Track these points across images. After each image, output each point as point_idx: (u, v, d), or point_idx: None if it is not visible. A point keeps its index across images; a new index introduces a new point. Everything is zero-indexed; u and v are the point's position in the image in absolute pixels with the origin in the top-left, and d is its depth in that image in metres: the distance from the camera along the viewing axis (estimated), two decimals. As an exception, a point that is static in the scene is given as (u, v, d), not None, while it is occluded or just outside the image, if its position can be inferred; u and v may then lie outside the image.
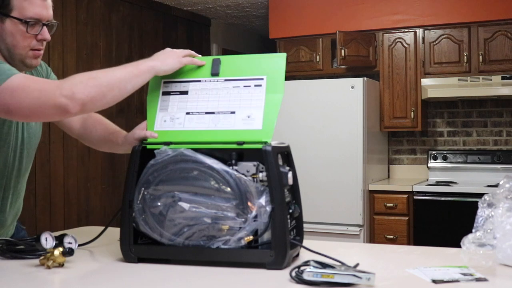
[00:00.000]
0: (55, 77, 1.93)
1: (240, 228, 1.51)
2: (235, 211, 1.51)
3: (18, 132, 1.77)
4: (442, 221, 4.31)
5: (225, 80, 1.66)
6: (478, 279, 1.37)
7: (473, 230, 1.54)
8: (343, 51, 4.69)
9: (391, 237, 4.48)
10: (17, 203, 1.86)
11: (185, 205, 1.54)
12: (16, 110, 1.49)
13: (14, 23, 1.63)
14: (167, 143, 1.62)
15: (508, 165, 4.63)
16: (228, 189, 1.51)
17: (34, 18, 1.64)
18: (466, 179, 4.75)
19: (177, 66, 1.64)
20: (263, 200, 1.50)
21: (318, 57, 5.08)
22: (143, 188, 1.57)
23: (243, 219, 1.50)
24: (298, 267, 1.38)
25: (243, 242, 1.52)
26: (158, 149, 1.58)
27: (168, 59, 1.63)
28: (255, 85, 1.63)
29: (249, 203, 1.50)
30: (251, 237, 1.52)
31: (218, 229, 1.53)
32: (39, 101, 1.47)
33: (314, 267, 1.35)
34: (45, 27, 1.68)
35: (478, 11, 4.54)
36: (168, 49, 1.67)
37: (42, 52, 1.72)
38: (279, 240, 1.49)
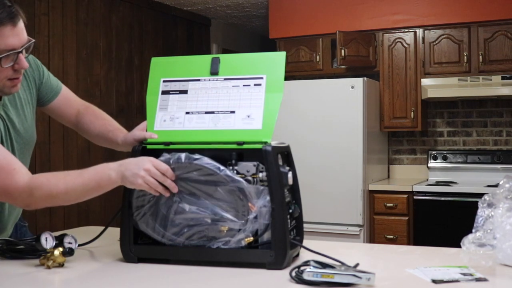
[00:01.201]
0: (47, 73, 1.87)
1: (239, 230, 1.51)
2: (235, 212, 1.51)
3: (8, 141, 1.72)
4: (442, 221, 4.31)
5: (225, 79, 1.66)
6: (478, 279, 1.37)
7: (473, 230, 1.54)
8: (343, 51, 4.69)
9: (391, 237, 4.48)
10: (16, 208, 1.84)
11: (186, 206, 1.54)
12: None
13: None
14: (167, 143, 1.62)
15: (508, 165, 4.63)
16: (228, 190, 1.51)
17: (7, 50, 1.51)
18: (466, 179, 4.75)
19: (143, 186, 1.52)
20: (262, 201, 1.50)
21: (318, 57, 5.08)
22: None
23: (243, 221, 1.50)
24: (298, 267, 1.38)
25: (243, 243, 1.52)
26: (161, 155, 1.56)
27: (135, 176, 1.49)
28: (255, 84, 1.62)
29: (249, 204, 1.50)
30: (251, 238, 1.52)
31: (218, 230, 1.53)
32: (1, 197, 1.55)
33: (314, 267, 1.35)
34: (20, 55, 1.55)
35: (478, 11, 4.54)
36: (137, 166, 1.51)
37: (20, 78, 1.62)
38: (279, 240, 1.49)
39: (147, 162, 1.49)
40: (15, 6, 1.54)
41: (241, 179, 1.50)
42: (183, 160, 1.52)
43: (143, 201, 1.58)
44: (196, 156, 1.53)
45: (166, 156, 1.55)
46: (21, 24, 1.55)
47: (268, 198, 1.50)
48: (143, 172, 1.47)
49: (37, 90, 1.84)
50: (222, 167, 1.51)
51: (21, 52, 1.56)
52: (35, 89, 1.83)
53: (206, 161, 1.52)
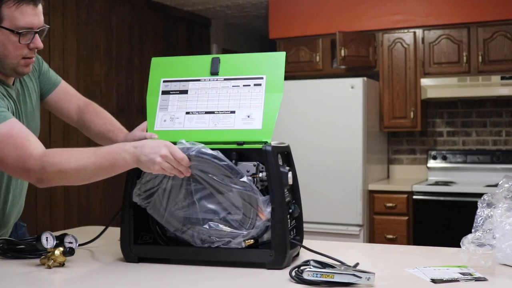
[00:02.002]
0: (47, 66, 1.91)
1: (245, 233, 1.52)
2: (243, 217, 1.52)
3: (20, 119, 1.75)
4: (441, 221, 4.31)
5: (225, 79, 1.66)
6: (477, 279, 1.37)
7: (473, 230, 1.54)
8: (343, 51, 4.70)
9: (391, 237, 4.48)
10: (18, 203, 1.85)
11: (196, 198, 1.54)
12: None
13: (5, 34, 1.60)
14: (167, 143, 1.62)
15: (507, 165, 4.63)
16: (240, 193, 1.51)
17: (26, 27, 1.60)
18: (466, 179, 4.75)
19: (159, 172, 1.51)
20: (269, 208, 1.50)
21: (318, 57, 5.08)
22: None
23: (250, 227, 1.51)
24: (298, 266, 1.38)
25: (243, 245, 1.52)
26: (179, 143, 1.54)
27: (151, 161, 1.47)
28: (255, 84, 1.63)
29: (260, 213, 1.50)
30: (251, 241, 1.53)
31: (222, 230, 1.53)
32: (13, 169, 1.54)
33: (314, 266, 1.35)
34: (37, 35, 1.64)
35: (477, 11, 4.54)
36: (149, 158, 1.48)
37: (34, 59, 1.70)
38: (279, 240, 1.50)
39: (164, 147, 1.47)
40: None
41: (257, 189, 1.50)
42: (202, 156, 1.49)
43: (153, 184, 1.57)
44: (215, 153, 1.50)
45: (184, 144, 1.52)
46: (40, 7, 1.65)
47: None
48: (159, 158, 1.45)
49: (38, 79, 1.87)
50: (240, 171, 1.50)
51: (38, 32, 1.64)
52: (37, 79, 1.87)
53: (225, 162, 1.49)
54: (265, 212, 1.49)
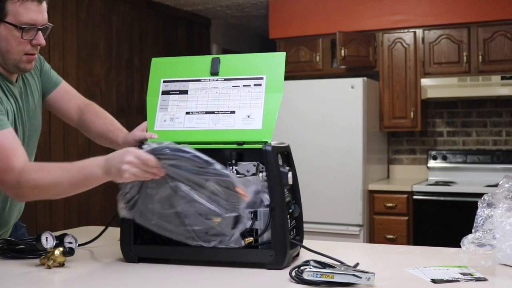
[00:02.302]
0: (48, 66, 1.92)
1: (234, 225, 1.49)
2: (226, 203, 1.48)
3: (19, 123, 1.76)
4: (441, 221, 4.31)
5: (225, 79, 1.66)
6: (477, 279, 1.37)
7: (473, 230, 1.54)
8: (343, 51, 4.70)
9: (391, 237, 4.48)
10: (19, 203, 1.85)
11: (177, 197, 1.50)
12: None
13: (9, 29, 1.61)
14: (167, 143, 1.62)
15: (507, 165, 4.63)
16: (217, 181, 1.46)
17: (29, 23, 1.62)
18: (466, 179, 4.75)
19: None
20: (253, 187, 1.48)
21: (318, 57, 5.08)
22: None
23: (234, 211, 1.48)
24: (298, 267, 1.38)
25: (243, 243, 1.52)
26: (145, 144, 1.51)
27: (120, 170, 1.46)
28: (255, 85, 1.63)
29: (239, 191, 1.46)
30: (251, 239, 1.53)
31: (210, 224, 1.50)
32: None
33: (314, 267, 1.35)
34: (40, 32, 1.66)
35: (477, 11, 4.54)
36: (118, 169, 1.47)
37: (36, 56, 1.71)
38: (279, 240, 1.50)
39: (128, 154, 1.46)
40: None
41: (228, 173, 1.46)
42: (168, 152, 1.46)
43: (134, 193, 1.54)
44: (180, 147, 1.46)
45: (151, 146, 1.48)
46: (44, 5, 1.67)
47: (260, 184, 1.49)
48: (126, 165, 1.44)
49: (39, 78, 1.88)
50: (211, 161, 1.44)
51: (41, 29, 1.65)
52: (39, 78, 1.88)
53: (191, 153, 1.45)
54: (248, 192, 1.46)
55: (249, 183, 1.48)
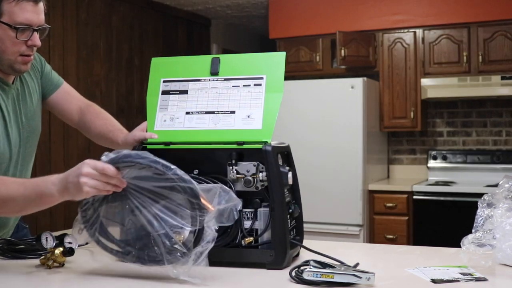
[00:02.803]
0: (49, 67, 1.91)
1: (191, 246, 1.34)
2: (189, 218, 1.35)
3: (18, 124, 1.75)
4: (441, 221, 4.31)
5: (225, 79, 1.66)
6: (477, 279, 1.37)
7: (473, 230, 1.54)
8: (343, 51, 4.70)
9: (391, 237, 4.48)
10: None
11: (137, 212, 1.37)
12: None
13: (3, 28, 1.59)
14: (167, 143, 1.62)
15: (507, 165, 4.63)
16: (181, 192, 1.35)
17: (25, 24, 1.60)
18: (466, 179, 4.75)
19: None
20: (218, 199, 1.36)
21: (318, 57, 5.08)
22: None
23: (196, 225, 1.34)
24: (298, 267, 1.38)
25: (243, 243, 1.51)
26: (103, 155, 1.39)
27: (76, 184, 1.36)
28: (255, 84, 1.63)
29: (205, 203, 1.34)
30: (251, 238, 1.53)
31: (173, 243, 1.35)
32: None
33: (314, 267, 1.35)
34: (35, 33, 1.64)
35: (477, 11, 4.54)
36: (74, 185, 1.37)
37: (32, 57, 1.69)
38: (279, 240, 1.49)
39: (85, 166, 1.35)
40: None
41: (191, 180, 1.34)
42: (125, 159, 1.35)
43: (93, 212, 1.42)
44: (143, 153, 1.37)
45: (108, 156, 1.38)
46: (41, 6, 1.65)
47: (227, 196, 1.36)
48: (83, 178, 1.33)
49: (40, 80, 1.88)
50: (172, 166, 1.35)
51: (37, 30, 1.63)
52: (39, 79, 1.87)
53: (148, 158, 1.35)
54: (214, 203, 1.34)
55: (213, 193, 1.35)
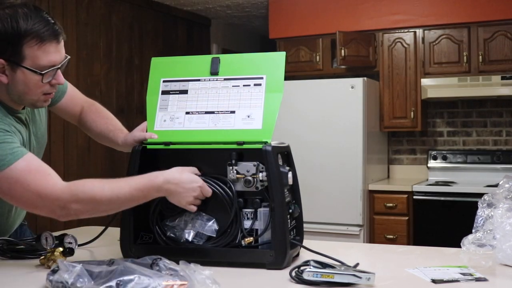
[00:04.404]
0: (67, 84, 1.87)
1: None
2: None
3: (28, 146, 1.71)
4: (442, 221, 4.31)
5: (225, 79, 1.66)
6: (477, 279, 1.37)
7: (473, 231, 1.54)
8: (343, 51, 4.69)
9: (391, 237, 4.48)
10: (22, 212, 1.84)
11: None
12: (11, 200, 1.49)
13: (26, 73, 1.51)
14: (167, 143, 1.62)
15: (507, 165, 4.63)
16: None
17: (49, 66, 1.52)
18: (466, 179, 4.75)
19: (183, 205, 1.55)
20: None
21: (318, 57, 5.08)
22: None
23: None
24: (298, 267, 1.38)
25: (243, 243, 1.51)
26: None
27: (182, 200, 1.53)
28: (255, 84, 1.63)
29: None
30: (251, 239, 1.53)
31: None
32: (34, 205, 1.46)
33: (314, 267, 1.35)
34: (59, 71, 1.57)
35: (478, 11, 4.54)
36: (189, 185, 1.52)
37: (54, 94, 1.63)
38: (279, 240, 1.49)
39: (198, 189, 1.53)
40: (57, 23, 1.56)
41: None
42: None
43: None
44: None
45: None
46: (62, 41, 1.57)
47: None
48: (193, 201, 1.54)
49: None
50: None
51: (60, 68, 1.57)
52: None
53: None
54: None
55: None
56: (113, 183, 1.48)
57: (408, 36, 4.77)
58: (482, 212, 1.56)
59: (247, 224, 1.55)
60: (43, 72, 1.52)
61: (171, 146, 1.62)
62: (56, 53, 1.53)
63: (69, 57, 1.60)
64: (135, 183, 1.48)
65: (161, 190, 1.50)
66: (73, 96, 1.93)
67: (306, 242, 1.63)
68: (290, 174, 1.55)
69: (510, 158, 4.65)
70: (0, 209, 1.70)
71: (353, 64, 4.83)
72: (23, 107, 1.66)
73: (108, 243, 1.82)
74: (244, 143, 1.55)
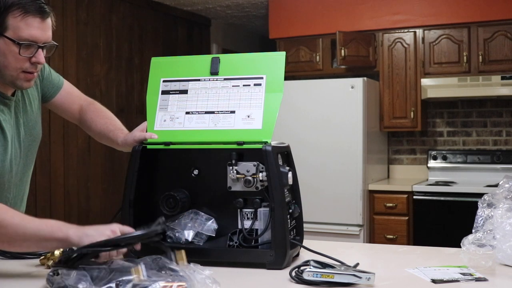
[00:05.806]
0: (48, 68, 1.87)
1: None
2: None
3: (18, 137, 1.72)
4: (442, 221, 4.31)
5: (225, 79, 1.66)
6: (477, 279, 1.37)
7: (473, 231, 1.54)
8: (343, 51, 4.69)
9: (391, 237, 4.48)
10: (19, 210, 1.84)
11: None
12: None
13: (7, 43, 1.53)
14: (167, 143, 1.62)
15: (507, 165, 4.63)
16: None
17: (29, 40, 1.54)
18: (466, 179, 4.75)
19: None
20: None
21: (318, 57, 5.08)
22: None
23: None
24: (298, 267, 1.38)
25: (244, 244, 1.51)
26: None
27: (89, 239, 1.35)
28: (255, 84, 1.63)
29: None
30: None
31: None
32: None
33: (314, 267, 1.35)
34: (40, 50, 1.57)
35: (478, 11, 4.54)
36: (98, 230, 1.39)
37: (35, 75, 1.62)
38: (279, 240, 1.49)
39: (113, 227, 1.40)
40: (47, 5, 1.58)
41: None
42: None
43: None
44: None
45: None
46: (49, 23, 1.59)
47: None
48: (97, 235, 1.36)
49: (40, 84, 1.85)
50: None
51: (42, 48, 1.58)
52: (39, 85, 1.85)
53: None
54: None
55: None
56: (25, 215, 1.42)
57: (408, 36, 4.77)
58: (482, 212, 1.56)
59: (247, 224, 1.55)
60: (21, 43, 1.53)
61: (171, 146, 1.61)
62: (38, 29, 1.55)
63: (57, 44, 1.62)
64: (46, 220, 1.40)
65: (71, 227, 1.38)
66: (70, 93, 1.92)
67: (306, 242, 1.63)
68: (290, 174, 1.55)
69: (510, 158, 4.65)
70: None
71: (353, 64, 4.83)
72: (13, 94, 1.67)
73: (108, 243, 1.81)
74: (244, 143, 1.55)
